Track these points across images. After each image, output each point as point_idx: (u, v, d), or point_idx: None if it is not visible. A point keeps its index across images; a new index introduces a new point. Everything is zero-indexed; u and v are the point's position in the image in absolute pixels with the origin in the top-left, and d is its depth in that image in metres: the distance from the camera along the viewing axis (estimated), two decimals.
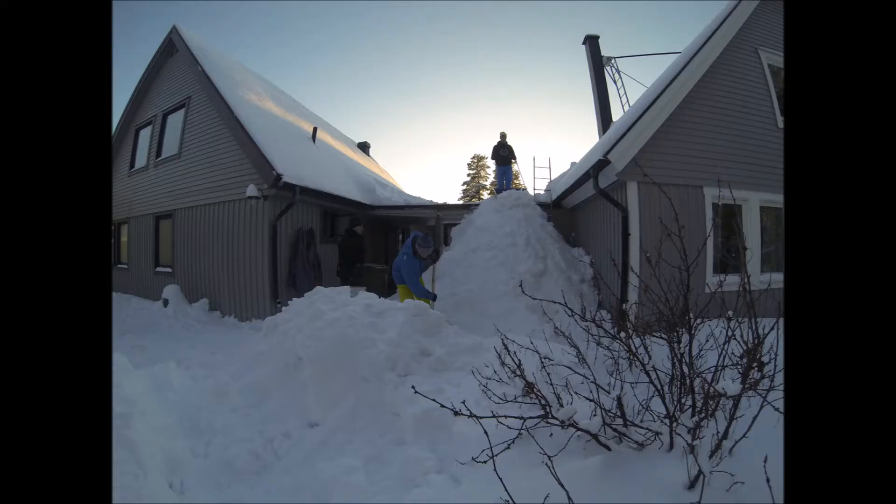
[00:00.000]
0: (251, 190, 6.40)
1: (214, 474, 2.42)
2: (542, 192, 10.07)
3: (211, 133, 7.61)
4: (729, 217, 5.42)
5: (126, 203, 9.47)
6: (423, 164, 57.69)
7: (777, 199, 5.85)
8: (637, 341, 2.01)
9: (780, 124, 6.16)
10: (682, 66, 5.60)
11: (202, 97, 7.79)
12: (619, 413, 1.67)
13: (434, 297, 5.25)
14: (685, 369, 1.69)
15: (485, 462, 1.58)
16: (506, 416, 1.79)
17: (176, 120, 8.64)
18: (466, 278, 6.51)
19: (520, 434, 1.84)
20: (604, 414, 1.66)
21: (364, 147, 17.61)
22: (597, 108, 11.56)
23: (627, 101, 11.28)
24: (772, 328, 1.45)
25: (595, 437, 1.64)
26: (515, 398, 2.11)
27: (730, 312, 1.58)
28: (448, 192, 68.67)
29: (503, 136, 10.38)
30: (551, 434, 1.80)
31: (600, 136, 10.69)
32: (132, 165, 9.76)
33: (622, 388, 1.83)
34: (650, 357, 1.84)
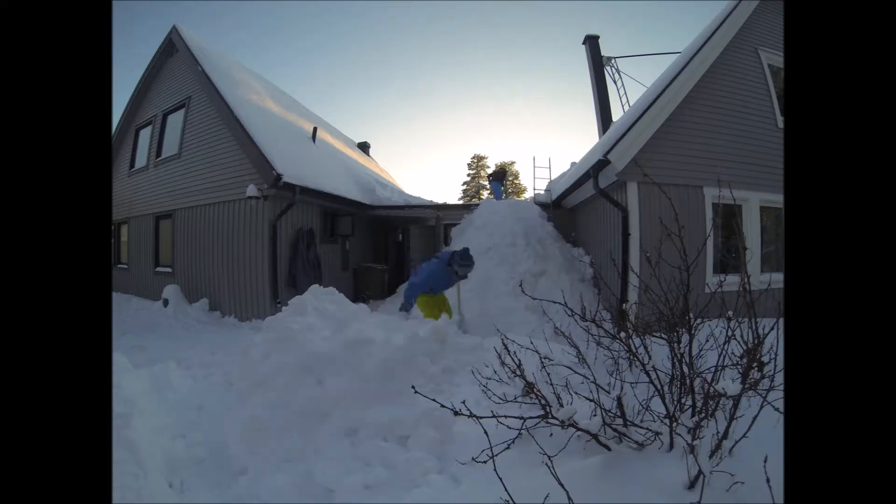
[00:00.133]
0: (251, 190, 6.40)
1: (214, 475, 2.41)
2: (542, 192, 10.10)
3: (211, 133, 7.62)
4: (729, 217, 5.41)
5: (126, 203, 9.47)
6: (423, 164, 57.86)
7: (777, 199, 5.85)
8: (637, 341, 2.01)
9: (780, 124, 6.16)
10: (682, 66, 5.60)
11: (202, 97, 7.79)
12: (619, 413, 1.67)
13: (462, 317, 4.94)
14: (685, 369, 1.69)
15: (485, 462, 1.58)
16: (506, 416, 1.79)
17: (176, 120, 8.64)
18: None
19: (520, 434, 1.83)
20: (604, 414, 1.66)
21: (364, 147, 17.63)
22: (597, 108, 11.59)
23: (627, 101, 11.31)
24: (772, 328, 1.44)
25: (595, 437, 1.64)
26: (515, 398, 2.11)
27: (730, 312, 1.57)
28: (448, 192, 68.83)
29: (503, 168, 11.17)
30: (551, 434, 1.80)
31: (600, 136, 10.71)
32: (132, 165, 9.77)
33: (622, 388, 1.83)
34: (650, 357, 1.84)
